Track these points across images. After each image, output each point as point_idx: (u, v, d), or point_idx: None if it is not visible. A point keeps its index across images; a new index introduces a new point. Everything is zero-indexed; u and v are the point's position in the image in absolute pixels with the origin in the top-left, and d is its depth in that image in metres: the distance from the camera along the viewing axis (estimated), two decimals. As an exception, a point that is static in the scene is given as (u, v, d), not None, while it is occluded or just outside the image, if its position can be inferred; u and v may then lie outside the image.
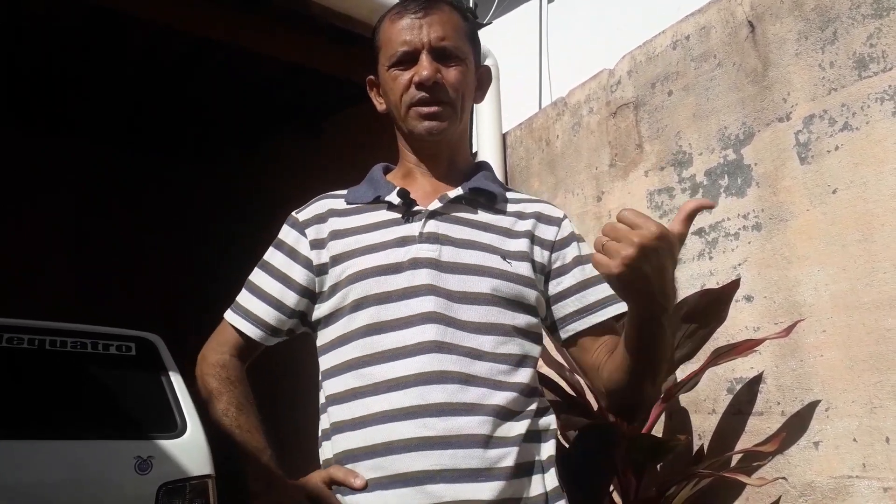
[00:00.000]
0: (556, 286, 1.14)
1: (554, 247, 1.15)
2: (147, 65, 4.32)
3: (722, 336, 2.04)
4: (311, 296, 1.13)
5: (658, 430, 2.16)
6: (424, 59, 1.10)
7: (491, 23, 3.35)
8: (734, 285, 1.83)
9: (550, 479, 1.05)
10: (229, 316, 1.17)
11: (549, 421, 1.10)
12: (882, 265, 1.75)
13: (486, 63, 3.13)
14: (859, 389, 1.77)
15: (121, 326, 3.71)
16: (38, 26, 3.94)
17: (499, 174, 3.08)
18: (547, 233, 1.15)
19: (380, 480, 0.99)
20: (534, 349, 1.10)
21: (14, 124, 5.23)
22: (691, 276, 2.23)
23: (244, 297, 1.17)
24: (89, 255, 5.76)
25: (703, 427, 2.14)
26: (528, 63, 3.25)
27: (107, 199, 5.93)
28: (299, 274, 1.13)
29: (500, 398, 1.02)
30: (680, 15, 2.38)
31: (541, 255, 1.14)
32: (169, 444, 3.35)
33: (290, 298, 1.13)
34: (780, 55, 2.04)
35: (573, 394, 2.06)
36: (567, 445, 2.05)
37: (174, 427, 3.44)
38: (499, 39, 3.32)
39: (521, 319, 1.09)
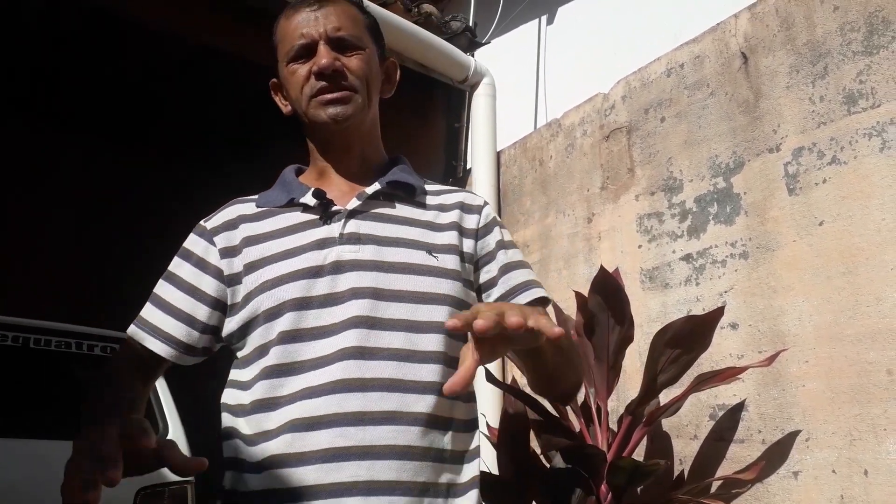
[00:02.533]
0: (485, 274, 1.12)
1: (478, 234, 1.13)
2: (147, 69, 4.33)
3: (706, 362, 2.06)
4: (223, 308, 1.07)
5: (640, 454, 2.17)
6: (322, 48, 1.07)
7: (490, 42, 3.38)
8: (718, 312, 1.85)
9: (469, 503, 1.01)
10: (134, 332, 1.08)
11: (475, 438, 1.07)
12: (865, 299, 1.77)
13: (483, 82, 3.19)
14: (840, 421, 1.78)
15: (117, 328, 3.69)
16: (40, 28, 3.94)
17: (492, 191, 3.10)
18: (470, 221, 1.13)
19: (291, 492, 0.94)
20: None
21: (14, 122, 5.21)
22: (678, 302, 2.25)
23: (150, 312, 1.08)
24: (86, 256, 5.75)
25: (685, 452, 2.15)
26: (524, 83, 3.27)
27: (106, 202, 5.92)
28: (209, 285, 1.07)
29: (425, 405, 0.98)
30: (675, 43, 2.41)
31: (468, 245, 1.12)
32: (149, 449, 3.33)
33: (202, 312, 1.07)
34: (771, 87, 2.07)
35: (555, 414, 2.06)
36: (548, 466, 2.05)
37: (155, 431, 3.42)
38: (497, 59, 3.35)
39: (452, 315, 1.05)
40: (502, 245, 1.14)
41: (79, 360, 3.48)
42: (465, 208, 1.14)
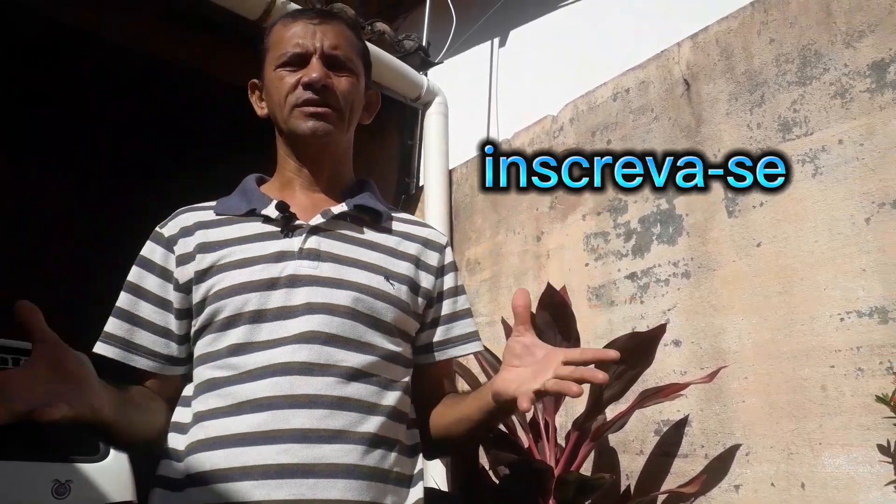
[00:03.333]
0: (433, 313, 1.14)
1: (437, 273, 1.15)
2: (100, 83, 4.24)
3: (651, 379, 2.11)
4: (189, 316, 1.06)
5: (587, 469, 2.20)
6: (315, 62, 1.08)
7: (442, 62, 3.42)
8: (661, 329, 1.90)
9: None
10: (114, 353, 1.03)
11: (418, 462, 1.08)
12: (800, 317, 1.84)
13: (436, 101, 3.22)
14: (778, 436, 1.85)
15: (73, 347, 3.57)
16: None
17: (444, 209, 3.12)
18: (432, 258, 1.15)
19: None
20: (407, 375, 1.09)
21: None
22: (623, 319, 2.30)
23: (126, 329, 1.04)
24: (33, 277, 5.58)
25: (632, 467, 2.19)
26: (476, 103, 3.32)
27: (52, 218, 5.74)
28: (175, 297, 1.06)
29: (372, 424, 0.99)
30: (622, 68, 2.49)
31: (426, 280, 1.13)
32: (89, 469, 3.23)
33: (174, 324, 1.06)
34: (712, 113, 2.16)
35: (504, 430, 2.08)
36: (497, 481, 2.07)
37: (96, 451, 3.32)
38: (450, 79, 3.40)
39: (398, 344, 1.07)
40: (455, 292, 1.17)
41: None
42: (428, 244, 1.16)
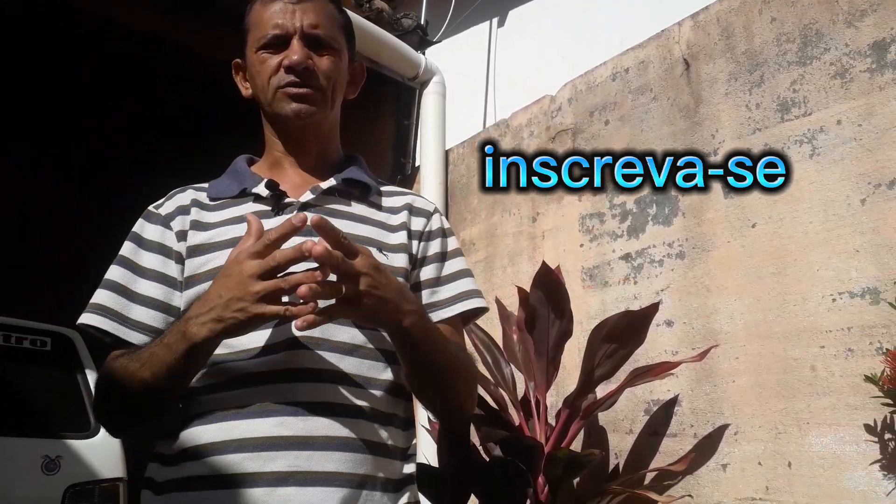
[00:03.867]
0: (414, 277, 1.13)
1: (422, 237, 1.14)
2: (94, 62, 4.20)
3: (642, 359, 2.11)
4: None
5: (577, 448, 2.21)
6: (296, 43, 1.06)
7: (441, 41, 3.41)
8: (653, 308, 1.90)
9: (402, 500, 1.02)
10: (111, 327, 1.01)
11: (412, 436, 1.08)
12: (792, 298, 1.84)
13: (434, 80, 3.21)
14: (766, 415, 1.85)
15: (48, 321, 3.56)
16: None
17: (440, 189, 3.11)
18: (417, 224, 1.14)
19: (227, 479, 0.92)
20: None
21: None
22: (616, 299, 2.30)
23: (117, 302, 1.02)
24: (29, 254, 5.56)
25: (621, 446, 2.20)
26: (474, 83, 3.31)
27: (49, 198, 5.71)
28: (177, 271, 1.05)
29: (368, 398, 0.99)
30: (621, 48, 2.47)
31: (415, 246, 1.12)
32: (79, 445, 3.24)
33: (177, 299, 1.04)
34: (711, 94, 2.14)
35: (496, 407, 2.09)
36: (487, 459, 2.07)
37: (86, 427, 3.33)
38: (447, 58, 3.38)
39: None
40: (441, 257, 1.15)
41: (7, 353, 3.36)
42: (413, 211, 1.15)
